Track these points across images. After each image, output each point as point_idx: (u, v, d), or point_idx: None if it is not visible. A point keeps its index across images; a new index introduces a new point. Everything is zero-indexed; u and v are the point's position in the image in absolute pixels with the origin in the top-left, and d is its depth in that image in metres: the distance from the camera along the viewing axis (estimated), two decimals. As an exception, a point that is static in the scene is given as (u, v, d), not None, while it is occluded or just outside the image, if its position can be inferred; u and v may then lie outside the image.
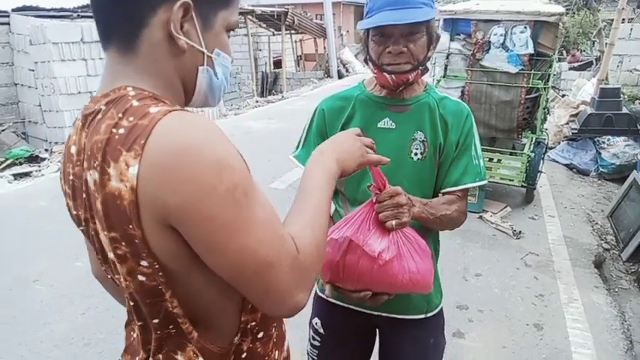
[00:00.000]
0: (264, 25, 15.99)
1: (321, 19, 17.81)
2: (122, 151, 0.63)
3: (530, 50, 4.22)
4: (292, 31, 16.61)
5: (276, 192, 5.02)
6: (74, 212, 0.77)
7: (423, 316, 1.41)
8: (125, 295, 0.75)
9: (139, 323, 0.76)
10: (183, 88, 0.78)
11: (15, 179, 6.05)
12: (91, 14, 0.76)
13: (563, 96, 8.38)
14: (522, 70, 4.29)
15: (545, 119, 4.88)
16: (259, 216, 0.69)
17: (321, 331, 1.50)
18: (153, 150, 0.62)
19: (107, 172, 0.64)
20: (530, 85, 4.34)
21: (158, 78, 0.74)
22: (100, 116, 0.69)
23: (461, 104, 1.37)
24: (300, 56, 19.87)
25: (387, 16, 1.18)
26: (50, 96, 7.89)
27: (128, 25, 0.71)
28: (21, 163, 7.04)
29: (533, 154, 4.57)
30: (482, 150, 1.41)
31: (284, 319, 0.97)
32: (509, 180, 4.59)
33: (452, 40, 4.58)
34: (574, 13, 13.35)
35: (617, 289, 3.40)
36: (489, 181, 4.38)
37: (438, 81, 4.62)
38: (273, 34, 16.56)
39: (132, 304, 0.74)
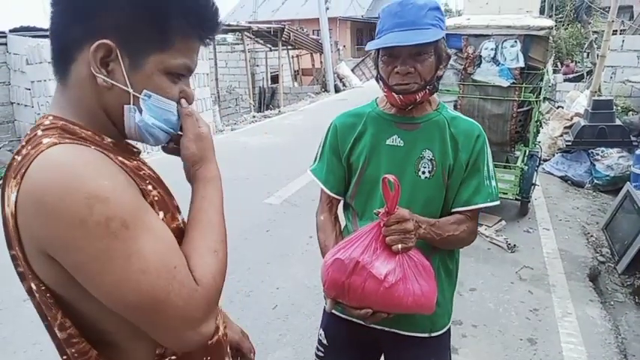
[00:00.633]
0: (261, 42, 16.13)
1: (317, 35, 17.98)
2: (12, 177, 0.68)
3: (521, 64, 4.26)
4: (289, 47, 16.75)
5: (271, 207, 5.03)
6: None
7: (426, 335, 1.41)
8: None
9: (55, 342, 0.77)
10: (114, 122, 0.79)
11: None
12: None
13: (558, 107, 8.43)
14: (514, 83, 4.33)
15: (537, 132, 4.90)
16: (145, 247, 0.67)
17: (325, 342, 1.54)
18: (28, 181, 0.65)
19: (4, 194, 0.70)
20: (522, 99, 4.37)
21: (84, 110, 0.77)
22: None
23: (474, 124, 1.38)
24: (297, 71, 20.02)
25: (394, 38, 1.21)
26: (47, 114, 7.92)
27: (62, 58, 0.76)
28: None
29: (526, 167, 4.58)
30: None
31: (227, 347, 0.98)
32: (503, 193, 4.60)
33: (443, 54, 4.62)
34: (567, 25, 13.51)
35: (612, 303, 3.39)
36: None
37: (431, 95, 4.65)
38: (270, 50, 16.70)
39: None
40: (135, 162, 0.81)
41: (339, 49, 20.75)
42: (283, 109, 13.13)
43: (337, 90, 16.75)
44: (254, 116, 12.03)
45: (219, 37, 15.95)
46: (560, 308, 3.15)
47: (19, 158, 0.69)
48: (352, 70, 19.49)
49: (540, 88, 4.42)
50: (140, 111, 0.78)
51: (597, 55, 8.09)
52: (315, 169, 1.51)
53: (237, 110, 15.05)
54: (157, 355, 0.79)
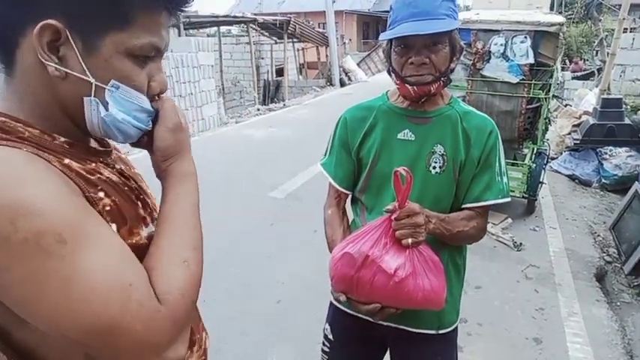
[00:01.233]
0: (266, 34, 16.06)
1: (323, 28, 17.90)
2: None
3: (531, 60, 4.20)
4: (294, 40, 16.67)
5: (275, 201, 5.00)
6: None
7: (434, 332, 1.39)
8: None
9: None
10: (72, 118, 0.69)
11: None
12: None
13: (566, 105, 8.35)
14: (523, 80, 4.27)
15: (546, 129, 4.85)
16: (91, 263, 0.57)
17: (331, 337, 1.52)
18: None
19: None
20: (531, 95, 4.32)
21: (33, 104, 0.66)
22: None
23: (486, 119, 1.35)
24: (303, 64, 19.95)
25: (409, 27, 1.18)
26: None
27: (3, 44, 0.65)
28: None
29: (534, 165, 4.53)
30: None
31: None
32: (511, 191, 4.54)
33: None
34: (577, 23, 13.38)
35: (618, 303, 3.35)
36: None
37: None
38: (276, 43, 16.63)
39: None
40: (93, 164, 0.70)
41: (345, 43, 20.67)
42: (288, 103, 13.08)
43: (342, 84, 16.68)
44: (258, 109, 12.00)
45: (224, 28, 15.91)
46: (566, 308, 3.11)
47: None
48: (358, 64, 19.39)
49: (550, 85, 4.36)
50: (105, 104, 0.67)
51: (607, 53, 7.99)
52: (325, 162, 1.48)
53: (241, 103, 15.02)
54: None
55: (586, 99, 7.74)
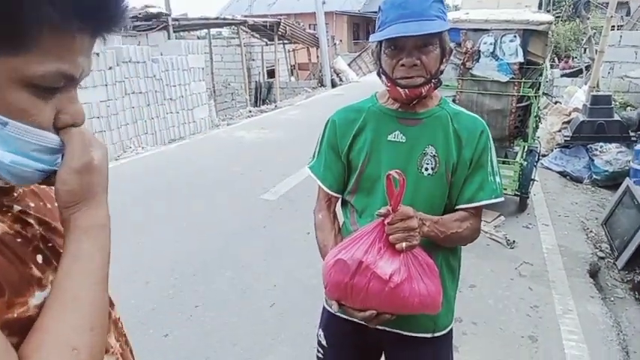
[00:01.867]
0: (257, 36, 16.02)
1: (314, 29, 17.89)
2: None
3: (520, 59, 4.22)
4: (285, 41, 16.65)
5: (267, 203, 4.97)
6: None
7: (429, 335, 1.38)
8: None
9: None
10: None
11: None
12: None
13: (556, 103, 8.41)
14: (513, 78, 4.29)
15: (537, 127, 4.87)
16: None
17: (324, 343, 1.50)
18: None
19: None
20: (521, 94, 4.34)
21: None
22: None
23: (477, 120, 1.34)
24: (294, 66, 19.93)
25: (400, 29, 1.17)
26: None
27: None
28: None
29: (525, 163, 4.55)
30: None
31: None
32: (503, 189, 4.56)
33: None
34: (565, 21, 13.49)
35: (612, 299, 3.36)
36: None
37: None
38: (267, 44, 16.60)
39: None
40: None
41: (335, 44, 20.66)
42: (280, 104, 13.06)
43: (334, 85, 16.68)
44: (250, 111, 11.96)
45: (214, 30, 15.85)
46: (560, 305, 3.12)
47: None
48: (349, 65, 19.40)
49: (539, 83, 4.39)
50: None
51: (596, 51, 8.06)
52: (313, 165, 1.46)
53: (233, 105, 14.97)
54: None
55: (576, 96, 7.80)
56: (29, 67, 0.50)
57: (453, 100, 4.59)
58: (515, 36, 4.20)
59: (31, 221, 0.63)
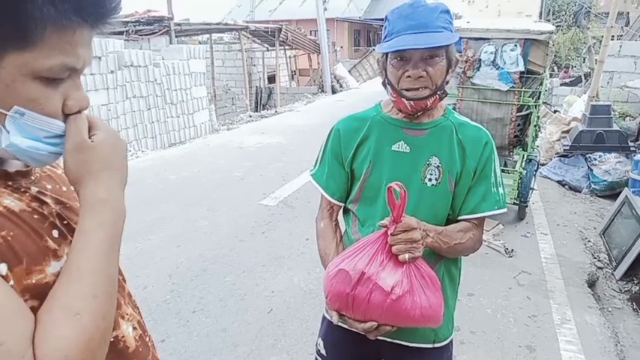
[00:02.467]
0: (258, 41, 16.08)
1: (315, 35, 17.95)
2: None
3: (521, 68, 4.24)
4: (286, 47, 16.70)
5: (267, 208, 4.97)
6: None
7: (430, 345, 1.37)
8: None
9: None
10: None
11: None
12: None
13: (555, 112, 8.43)
14: (513, 87, 4.30)
15: (536, 136, 4.89)
16: None
17: (323, 352, 1.49)
18: None
19: None
20: (521, 103, 4.35)
21: None
22: None
23: (481, 130, 1.34)
24: (295, 71, 19.99)
25: (407, 40, 1.17)
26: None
27: None
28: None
29: (524, 172, 4.56)
30: None
31: None
32: (502, 198, 4.57)
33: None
34: (564, 30, 13.55)
35: (610, 309, 3.36)
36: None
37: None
38: (268, 50, 16.66)
39: None
40: None
41: (336, 50, 20.74)
42: (280, 110, 13.08)
43: (334, 91, 16.72)
44: (250, 116, 11.98)
45: (215, 36, 15.90)
46: (558, 315, 3.11)
47: None
48: (349, 72, 19.46)
49: (540, 92, 4.40)
50: (9, 132, 0.60)
51: (595, 60, 8.10)
52: (315, 173, 1.46)
53: (233, 110, 14.99)
54: None
55: (575, 105, 7.83)
56: (37, 62, 0.57)
57: (453, 109, 4.62)
58: (516, 45, 4.22)
59: (48, 201, 0.70)
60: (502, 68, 4.32)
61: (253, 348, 2.72)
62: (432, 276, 1.17)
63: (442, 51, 1.21)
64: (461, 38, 4.39)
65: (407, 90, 1.23)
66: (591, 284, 3.65)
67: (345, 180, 1.40)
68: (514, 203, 4.61)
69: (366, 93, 14.96)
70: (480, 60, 4.37)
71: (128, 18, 8.65)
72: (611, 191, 5.57)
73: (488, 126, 4.42)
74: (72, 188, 0.74)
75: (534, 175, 4.73)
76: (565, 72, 13.71)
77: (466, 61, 4.42)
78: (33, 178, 0.71)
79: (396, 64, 1.23)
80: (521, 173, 4.52)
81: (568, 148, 6.17)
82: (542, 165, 6.22)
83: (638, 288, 3.58)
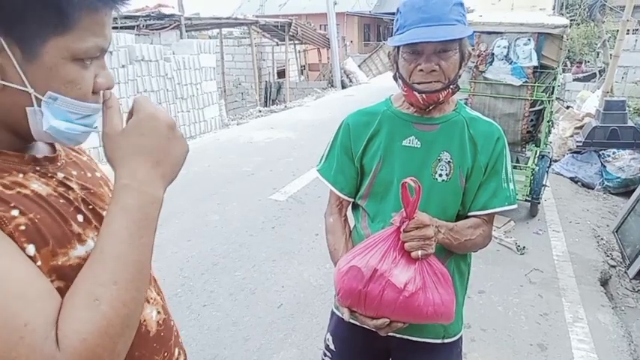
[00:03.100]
0: (268, 36, 16.06)
1: (324, 30, 17.89)
2: None
3: (534, 63, 4.18)
4: (296, 42, 16.66)
5: (277, 203, 4.98)
6: None
7: (439, 341, 1.37)
8: None
9: None
10: (12, 128, 0.66)
11: None
12: None
13: (567, 107, 8.32)
14: (526, 82, 4.25)
15: (549, 132, 4.83)
16: None
17: (332, 347, 1.49)
18: None
19: None
20: (534, 98, 4.30)
21: None
22: None
23: (493, 125, 1.33)
24: (304, 66, 19.94)
25: (420, 33, 1.15)
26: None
27: None
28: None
29: (537, 168, 4.51)
30: None
31: None
32: (514, 194, 4.52)
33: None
34: (578, 24, 13.35)
35: (623, 308, 3.32)
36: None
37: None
38: (277, 44, 16.63)
39: None
40: (19, 176, 0.64)
41: (346, 45, 20.65)
42: (289, 104, 13.07)
43: (344, 86, 16.66)
44: (260, 111, 11.99)
45: (225, 30, 15.91)
46: (570, 313, 3.08)
47: None
48: (359, 66, 19.38)
49: (553, 87, 4.34)
50: (47, 115, 0.64)
51: (610, 55, 7.97)
52: (322, 168, 1.44)
53: (243, 104, 15.01)
54: None
55: (588, 101, 7.72)
56: (75, 44, 0.61)
57: (465, 104, 4.57)
58: (529, 39, 4.16)
59: (74, 186, 0.73)
60: (515, 63, 4.26)
61: (263, 342, 2.73)
62: (444, 272, 1.16)
63: (455, 44, 1.19)
64: (473, 32, 4.34)
65: (419, 83, 1.21)
66: (604, 283, 3.61)
67: (355, 175, 1.39)
68: (526, 200, 4.56)
69: (376, 88, 14.89)
70: (492, 54, 4.31)
71: (139, 12, 8.67)
72: (624, 188, 5.49)
73: (500, 121, 4.38)
74: (97, 175, 0.81)
75: (547, 172, 4.67)
76: (578, 67, 13.53)
77: (479, 56, 4.37)
78: (59, 164, 0.74)
79: (408, 57, 1.21)
80: (533, 170, 4.47)
81: (581, 144, 6.09)
82: (555, 161, 6.15)
83: (652, 287, 3.53)
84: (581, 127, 6.53)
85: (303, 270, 3.56)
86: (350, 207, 1.47)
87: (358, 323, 1.36)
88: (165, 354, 0.81)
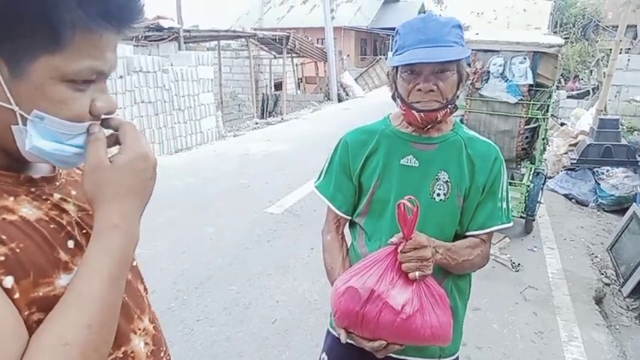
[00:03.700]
0: (265, 48, 16.16)
1: (322, 44, 18.02)
2: None
3: (530, 81, 4.23)
4: (293, 55, 16.77)
5: (272, 217, 4.96)
6: None
7: None
8: None
9: None
10: (4, 148, 0.63)
11: None
12: None
13: (562, 124, 8.41)
14: (521, 100, 4.29)
15: (544, 150, 4.87)
16: None
17: None
18: None
19: None
20: (530, 116, 4.34)
21: None
22: None
23: (490, 146, 1.35)
24: (301, 79, 20.04)
25: (418, 54, 1.17)
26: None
27: None
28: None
29: (532, 185, 4.53)
30: None
31: None
32: (508, 211, 4.54)
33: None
34: (572, 43, 13.55)
35: (617, 327, 3.32)
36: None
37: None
38: (275, 57, 16.73)
39: None
40: (8, 200, 0.61)
41: (343, 59, 20.80)
42: (286, 117, 13.10)
43: (340, 99, 16.75)
44: (257, 123, 12.01)
45: (223, 42, 15.99)
46: (565, 332, 3.08)
47: None
48: (355, 80, 19.50)
49: (548, 105, 4.39)
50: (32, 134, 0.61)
51: (604, 74, 8.08)
52: (320, 185, 1.45)
53: (240, 116, 15.04)
54: None
55: (582, 118, 7.80)
56: (66, 65, 0.58)
57: (461, 120, 4.61)
58: (525, 58, 4.21)
59: (70, 208, 0.70)
60: (511, 81, 4.31)
61: (257, 359, 2.70)
62: (442, 294, 1.17)
63: (453, 65, 1.21)
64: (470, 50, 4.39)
65: (417, 102, 1.23)
66: (598, 301, 3.61)
67: (353, 193, 1.40)
68: (521, 217, 4.58)
69: (372, 102, 14.97)
70: (488, 72, 4.36)
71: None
72: (618, 206, 5.53)
73: (495, 138, 4.42)
74: None
75: (542, 189, 4.70)
76: (573, 82, 13.68)
77: (474, 73, 4.42)
78: (58, 183, 0.71)
79: (406, 77, 1.23)
80: (528, 187, 4.49)
81: (575, 161, 6.15)
82: (549, 178, 6.19)
83: (646, 305, 3.54)
84: (575, 145, 6.59)
85: (298, 285, 3.54)
86: (347, 225, 1.48)
87: (355, 343, 1.35)
88: None
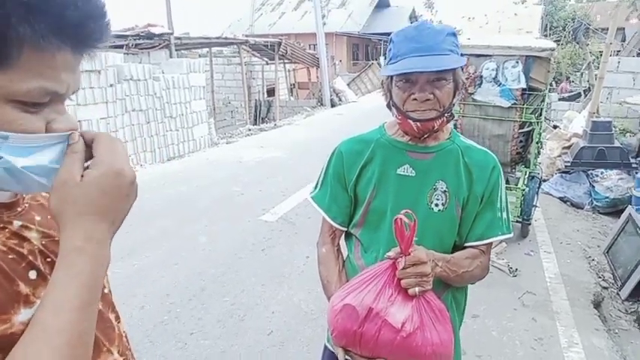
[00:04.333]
0: (257, 55, 16.15)
1: (314, 49, 18.06)
2: None
3: (523, 85, 4.22)
4: (285, 61, 16.77)
5: (267, 224, 4.91)
6: None
7: None
8: None
9: None
10: None
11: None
12: None
13: (554, 127, 8.43)
14: (515, 104, 4.28)
15: (538, 153, 4.86)
16: None
17: None
18: None
19: None
20: (523, 119, 4.33)
21: None
22: None
23: (488, 155, 1.32)
24: (294, 85, 20.04)
25: (413, 63, 1.14)
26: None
27: None
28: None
29: (527, 189, 4.52)
30: None
31: None
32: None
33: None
34: (563, 46, 13.65)
35: (617, 331, 3.29)
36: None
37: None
38: (267, 63, 16.72)
39: None
40: None
41: (335, 64, 20.84)
42: (279, 123, 13.07)
43: (333, 104, 16.76)
44: (249, 129, 11.96)
45: (215, 49, 15.96)
46: (565, 337, 3.04)
47: None
48: (348, 85, 19.56)
49: (541, 109, 4.38)
50: None
51: (595, 76, 8.12)
52: (316, 196, 1.41)
53: (232, 123, 14.99)
54: None
55: (575, 121, 7.83)
56: (13, 85, 0.53)
57: (455, 125, 4.60)
58: (517, 62, 4.21)
59: (32, 235, 0.64)
60: (504, 85, 4.30)
61: (253, 372, 2.64)
62: (442, 309, 1.13)
63: (449, 74, 1.19)
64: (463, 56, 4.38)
65: (413, 111, 1.20)
66: (597, 305, 3.59)
67: (348, 204, 1.36)
68: (517, 221, 4.55)
69: (365, 107, 14.98)
70: (481, 76, 4.35)
71: (128, 32, 8.65)
72: (613, 208, 5.53)
73: (490, 142, 4.41)
74: None
75: (537, 193, 4.68)
76: (566, 83, 13.76)
77: (467, 78, 4.41)
78: (20, 209, 0.65)
79: (401, 86, 1.20)
80: (523, 191, 4.48)
81: (569, 164, 6.15)
82: (544, 181, 6.19)
83: (645, 309, 3.51)
84: (568, 147, 6.60)
85: (294, 294, 3.48)
86: (343, 236, 1.43)
87: (350, 358, 1.31)
88: None
